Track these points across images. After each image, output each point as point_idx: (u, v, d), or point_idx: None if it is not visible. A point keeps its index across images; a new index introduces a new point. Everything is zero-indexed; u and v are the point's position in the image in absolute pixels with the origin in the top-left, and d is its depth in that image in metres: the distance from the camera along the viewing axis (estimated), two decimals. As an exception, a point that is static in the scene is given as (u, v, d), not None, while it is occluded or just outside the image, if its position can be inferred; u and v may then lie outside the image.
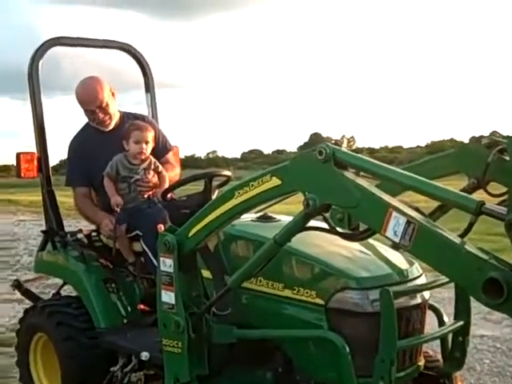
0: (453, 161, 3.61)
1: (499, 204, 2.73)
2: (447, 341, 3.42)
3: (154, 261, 3.59)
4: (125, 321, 4.12)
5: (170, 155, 4.60)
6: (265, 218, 3.62)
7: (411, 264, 3.25)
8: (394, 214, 2.46)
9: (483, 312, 6.26)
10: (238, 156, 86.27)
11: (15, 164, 4.56)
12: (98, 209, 4.34)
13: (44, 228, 4.61)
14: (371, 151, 70.51)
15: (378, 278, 3.07)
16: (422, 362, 3.28)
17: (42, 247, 4.57)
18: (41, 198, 4.64)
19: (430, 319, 3.37)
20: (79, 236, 4.45)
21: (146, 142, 4.19)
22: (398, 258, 3.26)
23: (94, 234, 4.43)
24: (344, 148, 2.74)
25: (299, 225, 2.86)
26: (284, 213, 3.74)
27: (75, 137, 4.54)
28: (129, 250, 4.14)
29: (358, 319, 2.99)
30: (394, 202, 2.53)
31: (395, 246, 3.16)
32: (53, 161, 4.63)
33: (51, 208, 4.50)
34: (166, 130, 4.69)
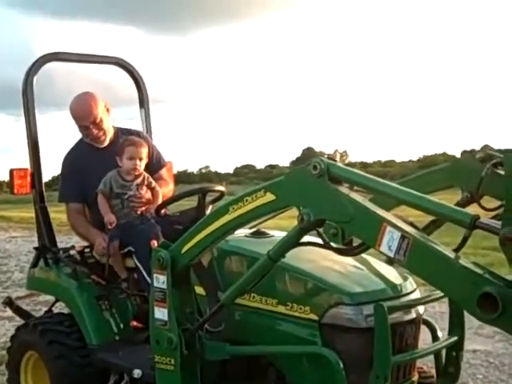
0: (446, 175, 3.62)
1: (493, 218, 2.74)
2: (441, 356, 3.41)
3: (147, 277, 3.57)
4: (117, 338, 4.09)
5: (163, 171, 4.59)
6: (258, 234, 3.61)
7: (405, 279, 3.24)
8: (389, 228, 2.45)
9: (475, 326, 6.25)
10: (231, 171, 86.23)
11: (8, 180, 4.54)
12: (90, 226, 4.32)
13: (35, 244, 4.58)
14: (364, 165, 70.64)
15: (372, 293, 3.07)
16: (415, 378, 3.27)
17: (35, 264, 4.55)
18: (32, 214, 4.62)
19: (424, 334, 3.36)
20: (72, 252, 4.42)
21: (140, 159, 4.18)
22: (392, 273, 3.26)
23: (86, 250, 4.40)
24: (338, 162, 2.74)
25: (293, 240, 2.85)
26: (276, 228, 3.73)
27: (69, 153, 4.53)
28: (121, 266, 4.12)
29: (351, 335, 2.98)
30: (388, 216, 2.53)
31: (389, 261, 3.15)
32: (45, 177, 4.63)
33: (44, 224, 4.47)
34: (159, 146, 4.70)
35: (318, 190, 2.66)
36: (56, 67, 4.79)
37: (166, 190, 4.43)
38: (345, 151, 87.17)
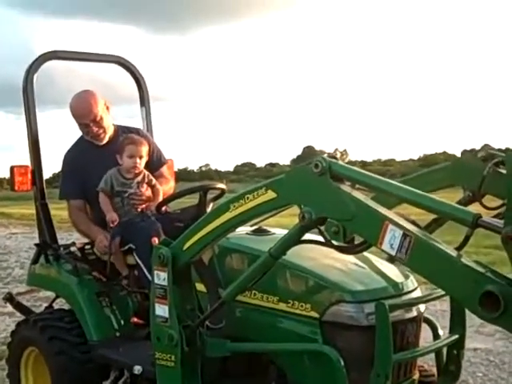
0: (448, 174, 3.62)
1: (495, 217, 2.74)
2: (442, 354, 3.41)
3: (148, 274, 3.57)
4: (117, 334, 4.08)
5: (164, 169, 4.59)
6: (259, 231, 3.61)
7: (406, 277, 3.24)
8: (391, 226, 2.45)
9: (476, 325, 6.26)
10: (231, 169, 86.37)
11: (9, 177, 4.54)
12: (91, 223, 4.32)
13: (36, 241, 4.58)
14: (364, 164, 70.67)
15: (374, 291, 3.07)
16: (416, 376, 3.27)
17: (35, 260, 4.54)
18: (33, 210, 4.62)
19: (425, 332, 3.36)
20: (72, 249, 4.43)
21: (140, 157, 4.18)
22: (394, 271, 3.26)
23: (87, 247, 4.41)
24: (340, 161, 2.74)
25: (294, 238, 2.84)
26: (277, 226, 3.73)
27: (69, 150, 4.53)
28: (122, 263, 4.12)
29: (352, 332, 2.98)
30: (390, 214, 2.53)
31: (391, 259, 3.15)
32: (46, 174, 4.63)
33: (45, 221, 4.47)
34: (160, 144, 4.70)
35: (320, 188, 2.66)
36: (56, 65, 4.80)
37: (167, 187, 4.43)
38: (345, 150, 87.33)
